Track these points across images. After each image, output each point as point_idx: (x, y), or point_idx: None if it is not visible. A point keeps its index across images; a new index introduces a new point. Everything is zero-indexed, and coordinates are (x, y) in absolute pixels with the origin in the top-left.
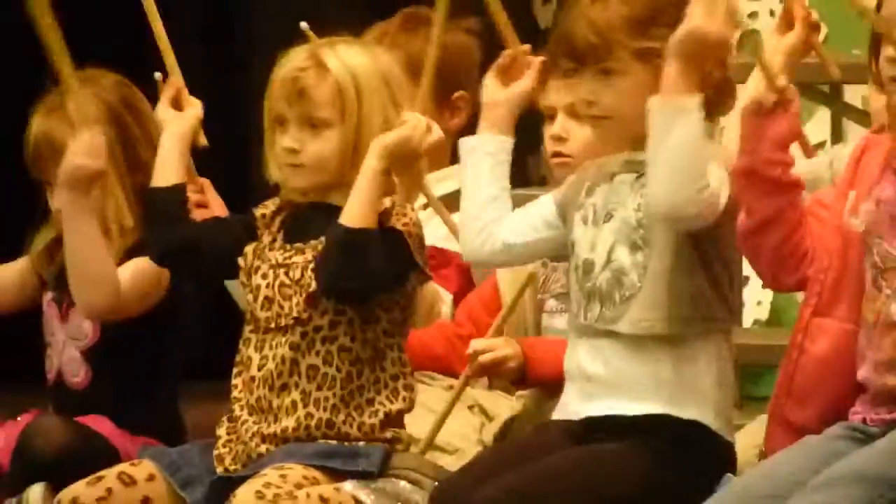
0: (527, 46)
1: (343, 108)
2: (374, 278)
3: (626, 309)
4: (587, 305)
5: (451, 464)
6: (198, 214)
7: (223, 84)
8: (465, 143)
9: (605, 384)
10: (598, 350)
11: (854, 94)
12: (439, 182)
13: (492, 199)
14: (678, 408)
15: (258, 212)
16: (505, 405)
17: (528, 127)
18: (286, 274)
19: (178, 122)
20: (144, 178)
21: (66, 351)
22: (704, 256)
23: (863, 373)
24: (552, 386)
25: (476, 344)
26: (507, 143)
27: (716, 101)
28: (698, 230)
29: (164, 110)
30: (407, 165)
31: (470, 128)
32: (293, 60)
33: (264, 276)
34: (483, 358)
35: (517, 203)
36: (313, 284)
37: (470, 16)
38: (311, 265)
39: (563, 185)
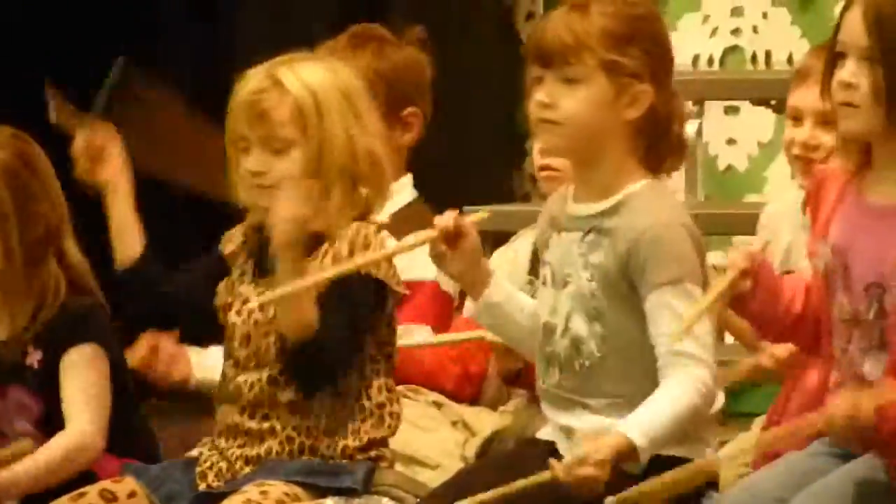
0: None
1: (305, 127)
2: (328, 372)
3: (588, 378)
4: (546, 370)
5: (433, 479)
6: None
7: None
8: (471, 309)
9: (584, 435)
10: (569, 414)
11: None
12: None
13: (530, 332)
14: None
15: (225, 249)
16: (488, 421)
17: (512, 142)
18: (260, 310)
19: (116, 183)
20: (41, 232)
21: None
22: None
23: None
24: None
25: None
26: (491, 296)
27: (664, 155)
28: None
29: (91, 173)
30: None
31: (420, 143)
32: (251, 82)
33: (238, 313)
34: None
35: (501, 218)
36: None
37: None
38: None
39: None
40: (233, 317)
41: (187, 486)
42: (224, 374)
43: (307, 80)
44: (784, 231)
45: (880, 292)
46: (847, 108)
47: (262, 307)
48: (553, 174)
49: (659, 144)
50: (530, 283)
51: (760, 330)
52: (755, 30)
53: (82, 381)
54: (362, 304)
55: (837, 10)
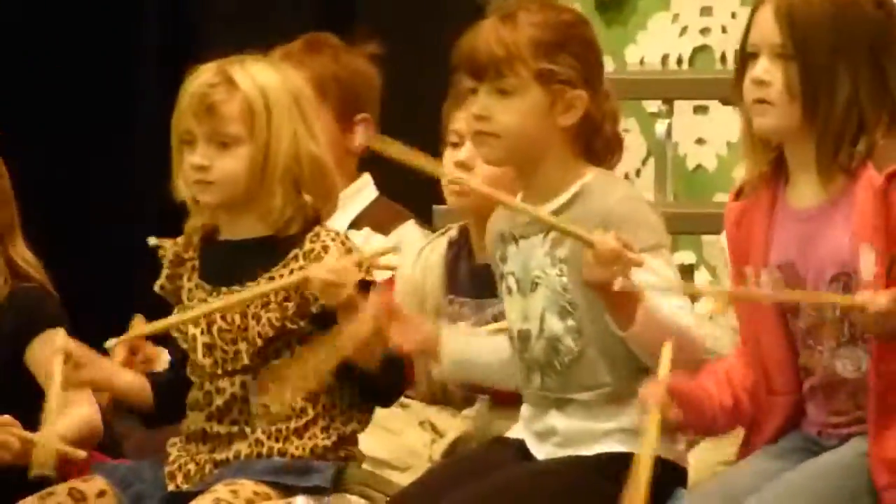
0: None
1: (252, 125)
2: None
3: (570, 375)
4: (529, 376)
5: (402, 480)
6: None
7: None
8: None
9: (565, 435)
10: (554, 413)
11: None
12: (353, 198)
13: (501, 380)
14: (629, 447)
15: (158, 283)
16: (452, 423)
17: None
18: (222, 318)
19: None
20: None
21: None
22: None
23: (812, 420)
24: (498, 405)
25: None
26: (446, 346)
27: (603, 155)
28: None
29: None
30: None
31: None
32: (202, 76)
33: (196, 324)
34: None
35: None
36: (261, 332)
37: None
38: (253, 311)
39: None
40: (191, 329)
41: (156, 486)
42: (193, 383)
43: (258, 80)
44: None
45: (845, 281)
46: (761, 105)
47: (224, 317)
48: (462, 189)
49: (596, 145)
50: (450, 302)
51: (700, 432)
52: (724, 29)
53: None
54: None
55: None
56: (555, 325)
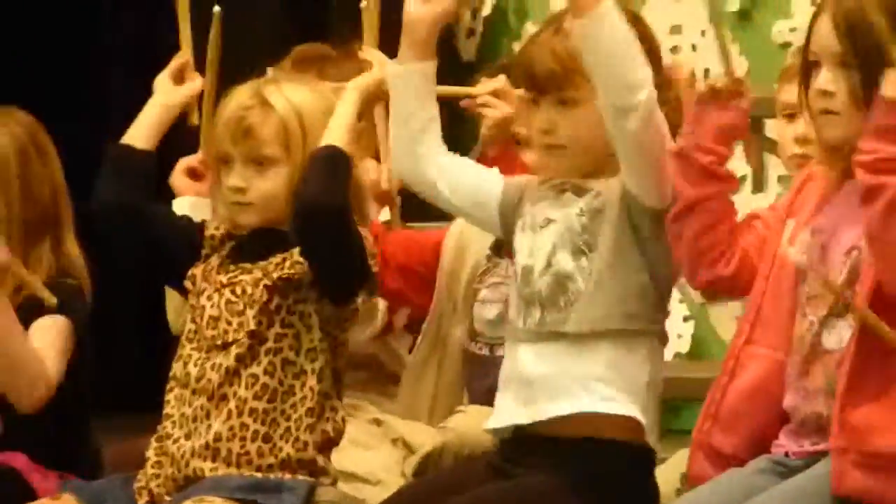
0: None
1: (288, 145)
2: (348, 209)
3: (572, 311)
4: (526, 311)
5: (374, 495)
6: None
7: None
8: (391, 70)
9: (543, 386)
10: (540, 353)
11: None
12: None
13: (420, 131)
14: (611, 404)
15: (207, 231)
16: (427, 438)
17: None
18: (232, 292)
19: (169, 93)
20: (36, 213)
21: None
22: (648, 255)
23: (789, 401)
24: (475, 420)
25: None
26: (430, 67)
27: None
28: (644, 222)
29: (162, 79)
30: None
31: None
32: (237, 99)
33: (209, 298)
34: None
35: None
36: (266, 298)
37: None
38: (263, 281)
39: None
40: (203, 300)
41: (128, 503)
42: (186, 357)
43: (293, 100)
44: None
45: (857, 256)
46: (827, 115)
47: (233, 290)
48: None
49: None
50: (488, 259)
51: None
52: (694, 48)
53: (48, 337)
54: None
55: (776, 27)
56: (566, 262)
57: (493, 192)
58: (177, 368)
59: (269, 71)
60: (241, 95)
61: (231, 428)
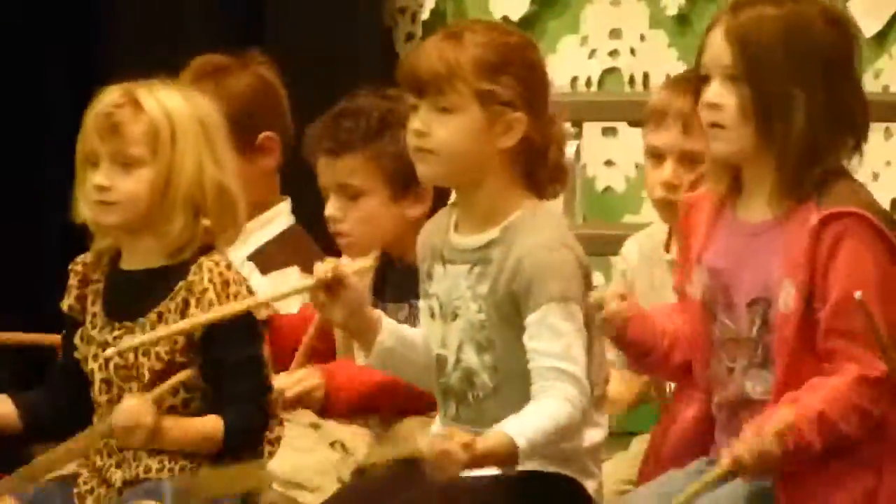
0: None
1: (156, 147)
2: (259, 432)
3: (483, 409)
4: (445, 402)
5: (312, 501)
6: None
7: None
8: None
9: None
10: None
11: None
12: (263, 227)
13: (425, 369)
14: (546, 467)
15: (65, 306)
16: (362, 440)
17: None
18: (120, 356)
19: None
20: None
21: None
22: None
23: (722, 443)
24: (392, 419)
25: (280, 381)
26: (384, 342)
27: (544, 183)
28: None
29: None
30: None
31: (284, 166)
32: (108, 97)
33: (95, 358)
34: (289, 393)
35: None
36: (150, 367)
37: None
38: (142, 350)
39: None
40: (90, 364)
41: None
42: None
43: (165, 104)
44: (644, 269)
45: (764, 307)
46: (715, 129)
47: (120, 354)
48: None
49: (537, 171)
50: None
51: (638, 362)
52: (633, 52)
53: None
54: (258, 340)
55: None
56: (471, 358)
57: None
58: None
59: None
60: (111, 94)
61: (161, 461)
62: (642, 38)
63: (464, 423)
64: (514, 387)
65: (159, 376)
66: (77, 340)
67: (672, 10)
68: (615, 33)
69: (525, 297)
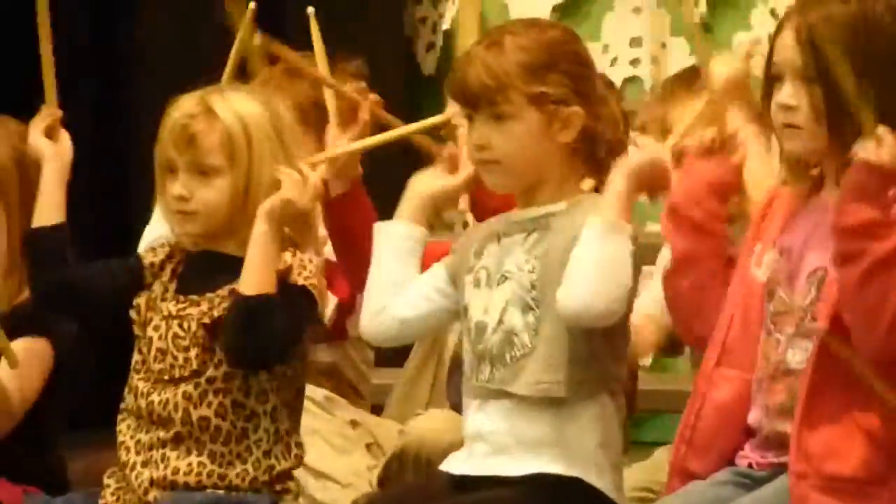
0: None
1: (233, 155)
2: (279, 343)
3: (519, 370)
4: (479, 367)
5: (342, 496)
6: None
7: (108, 129)
8: (377, 227)
9: (493, 443)
10: (488, 410)
11: None
12: None
13: (391, 283)
14: (559, 468)
15: (146, 259)
16: (393, 440)
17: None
18: (180, 326)
19: (58, 156)
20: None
21: None
22: None
23: (754, 417)
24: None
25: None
26: (416, 231)
27: (607, 162)
28: None
29: (40, 139)
30: (297, 222)
31: None
32: (183, 107)
33: (156, 328)
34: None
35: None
36: (207, 337)
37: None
38: (206, 318)
39: (454, 251)
40: (150, 331)
41: None
42: (135, 389)
43: (238, 110)
44: None
45: (822, 275)
46: (789, 129)
47: (180, 323)
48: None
49: (598, 153)
50: None
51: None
52: (654, 60)
53: (24, 359)
54: (305, 316)
55: (736, 39)
56: (515, 318)
57: (442, 281)
58: (129, 400)
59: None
60: (186, 103)
61: (189, 464)
62: (663, 45)
63: (496, 384)
64: (555, 349)
65: (212, 343)
66: (141, 300)
67: (693, 18)
68: (636, 41)
69: None
